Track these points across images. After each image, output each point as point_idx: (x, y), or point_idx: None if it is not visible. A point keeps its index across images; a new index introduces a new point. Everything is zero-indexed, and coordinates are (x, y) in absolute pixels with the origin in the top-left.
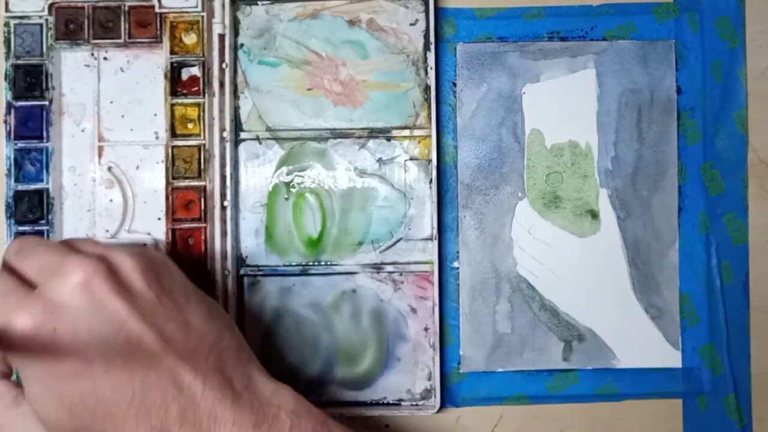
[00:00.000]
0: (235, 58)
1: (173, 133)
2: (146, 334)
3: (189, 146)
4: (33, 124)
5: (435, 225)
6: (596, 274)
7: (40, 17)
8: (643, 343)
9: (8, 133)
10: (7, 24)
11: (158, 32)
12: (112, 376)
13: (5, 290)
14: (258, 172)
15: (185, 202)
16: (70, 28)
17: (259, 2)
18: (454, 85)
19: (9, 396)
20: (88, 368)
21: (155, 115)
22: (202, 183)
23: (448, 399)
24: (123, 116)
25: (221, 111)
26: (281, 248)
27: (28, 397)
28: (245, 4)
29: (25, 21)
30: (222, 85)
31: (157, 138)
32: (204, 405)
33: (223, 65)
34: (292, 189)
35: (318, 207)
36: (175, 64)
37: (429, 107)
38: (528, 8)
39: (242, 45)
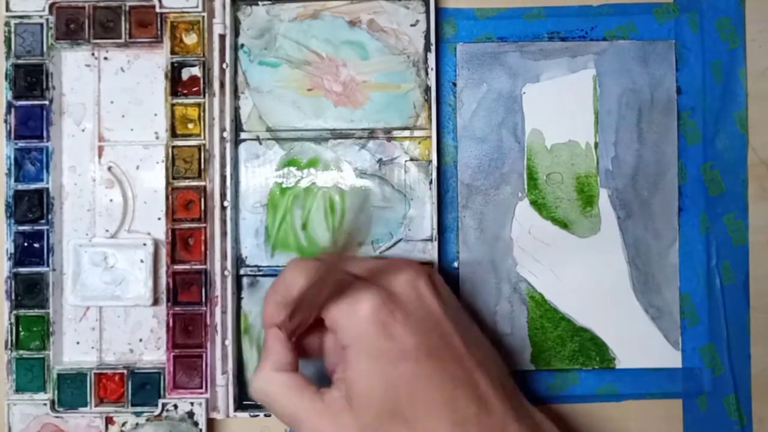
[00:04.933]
0: (235, 59)
1: (173, 133)
2: (454, 335)
3: (189, 146)
4: (33, 124)
5: (435, 226)
6: (596, 274)
7: (41, 17)
8: (643, 343)
9: (8, 133)
10: (7, 23)
11: (159, 32)
12: (429, 364)
13: (340, 279)
14: (258, 173)
15: (185, 202)
16: (70, 28)
17: (259, 2)
18: (454, 85)
19: (310, 388)
20: (413, 352)
21: (155, 115)
22: (202, 183)
23: None
24: (123, 116)
25: (221, 111)
26: (281, 248)
27: (348, 376)
28: (246, 5)
29: (25, 20)
30: (222, 85)
31: (157, 138)
32: (495, 413)
33: (224, 65)
34: (292, 189)
35: (318, 207)
36: (175, 64)
37: (429, 108)
38: (528, 8)
39: (243, 45)
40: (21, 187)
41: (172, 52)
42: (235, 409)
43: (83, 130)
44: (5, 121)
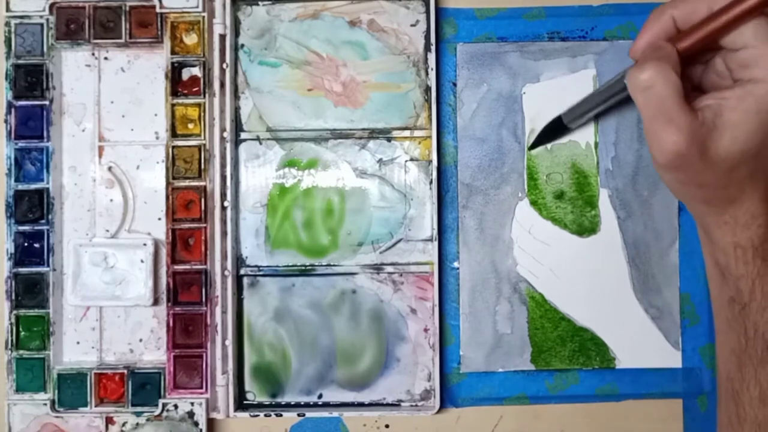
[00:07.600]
0: (235, 59)
1: (174, 133)
2: None
3: (189, 146)
4: (33, 124)
5: (435, 226)
6: (596, 274)
7: (41, 17)
8: (643, 343)
9: (9, 133)
10: (7, 23)
11: (159, 32)
12: None
13: None
14: (258, 173)
15: (185, 202)
16: (70, 28)
17: (259, 2)
18: (455, 85)
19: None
20: None
21: (156, 115)
22: (202, 183)
23: (448, 399)
24: (123, 116)
25: (222, 111)
26: (281, 248)
27: (727, 106)
28: (246, 5)
29: (25, 20)
30: (222, 85)
31: (157, 138)
32: None
33: (224, 65)
34: (292, 189)
35: (318, 207)
36: (175, 64)
37: (429, 108)
38: (528, 8)
39: (243, 45)
40: (21, 187)
41: (173, 52)
42: (235, 409)
43: (83, 130)
44: (5, 121)
